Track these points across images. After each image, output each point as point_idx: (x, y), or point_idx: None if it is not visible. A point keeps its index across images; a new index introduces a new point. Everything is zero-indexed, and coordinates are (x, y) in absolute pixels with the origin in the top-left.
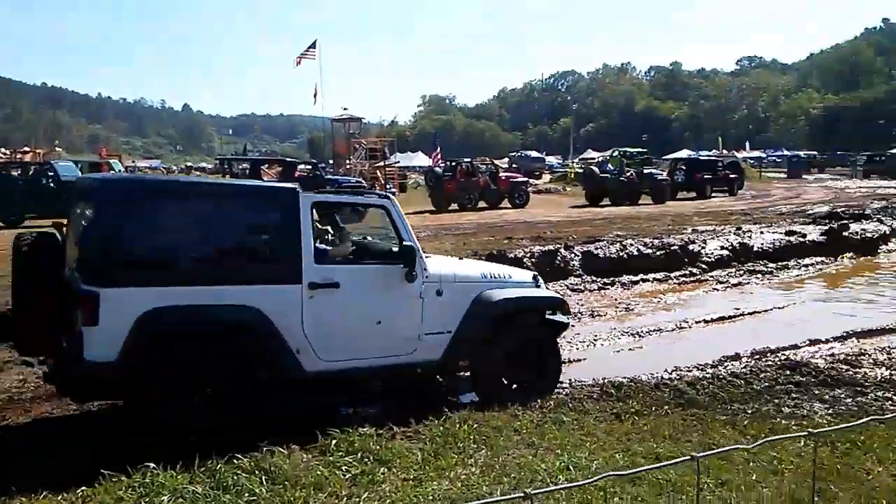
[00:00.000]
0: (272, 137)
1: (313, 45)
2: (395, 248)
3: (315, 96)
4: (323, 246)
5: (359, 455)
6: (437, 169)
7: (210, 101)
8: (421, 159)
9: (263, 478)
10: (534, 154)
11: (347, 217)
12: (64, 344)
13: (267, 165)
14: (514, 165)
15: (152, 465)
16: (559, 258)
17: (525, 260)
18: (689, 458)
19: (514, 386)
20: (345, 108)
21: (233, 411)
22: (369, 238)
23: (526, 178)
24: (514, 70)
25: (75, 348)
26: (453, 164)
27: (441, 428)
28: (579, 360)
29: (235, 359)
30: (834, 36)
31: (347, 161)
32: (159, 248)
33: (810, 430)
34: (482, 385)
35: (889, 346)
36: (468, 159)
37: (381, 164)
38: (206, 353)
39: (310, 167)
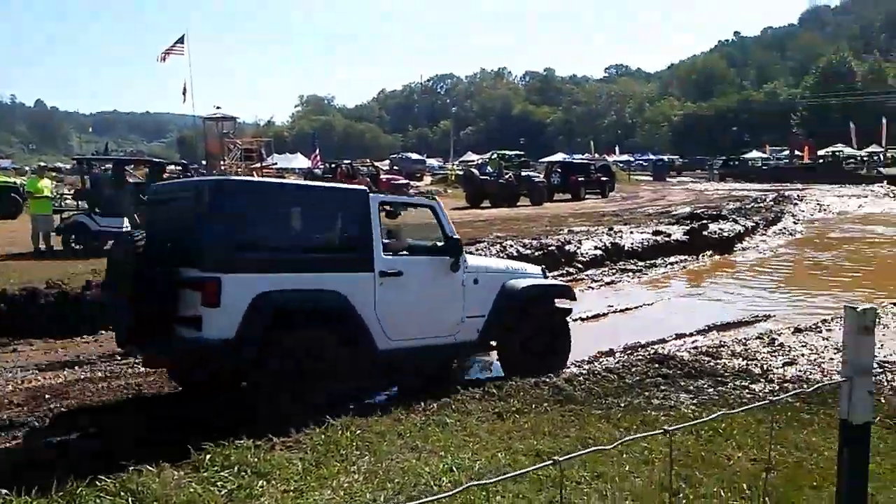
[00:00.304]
0: (138, 136)
1: (181, 41)
2: (440, 243)
3: (184, 93)
4: (385, 240)
5: (235, 469)
6: (317, 171)
7: (67, 97)
8: (300, 161)
9: (130, 499)
10: (414, 156)
11: None
12: (162, 331)
13: (133, 166)
14: (395, 167)
15: (5, 491)
16: None
17: None
18: (551, 461)
19: (531, 359)
20: (217, 107)
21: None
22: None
23: (407, 181)
24: (394, 71)
25: (193, 330)
26: (333, 165)
27: (322, 436)
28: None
29: (330, 336)
30: (692, 47)
31: (222, 162)
32: (267, 240)
33: (665, 427)
34: (509, 361)
35: (745, 338)
36: (348, 161)
37: (258, 165)
38: (308, 329)
39: (180, 168)
